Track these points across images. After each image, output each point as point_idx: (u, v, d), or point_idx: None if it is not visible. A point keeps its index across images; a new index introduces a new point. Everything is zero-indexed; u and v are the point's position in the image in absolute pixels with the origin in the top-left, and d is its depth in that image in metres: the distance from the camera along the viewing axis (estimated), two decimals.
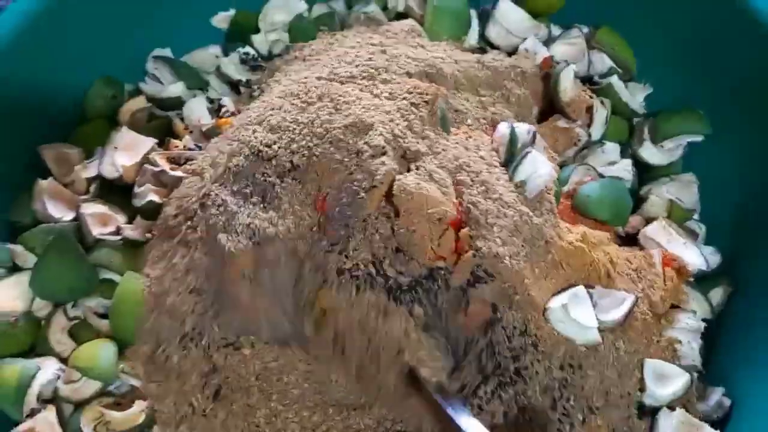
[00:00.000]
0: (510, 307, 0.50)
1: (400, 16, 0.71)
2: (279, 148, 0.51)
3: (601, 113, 0.65)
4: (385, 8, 0.72)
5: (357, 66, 0.56)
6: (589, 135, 0.65)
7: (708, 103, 0.66)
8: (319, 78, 0.55)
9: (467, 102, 0.59)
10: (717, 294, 0.61)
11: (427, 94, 0.52)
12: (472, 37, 0.69)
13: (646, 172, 0.68)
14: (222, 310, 0.51)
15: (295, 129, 0.51)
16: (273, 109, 0.54)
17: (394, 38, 0.62)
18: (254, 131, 0.53)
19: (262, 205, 0.50)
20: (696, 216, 0.67)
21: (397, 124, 0.50)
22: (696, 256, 0.59)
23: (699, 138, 0.67)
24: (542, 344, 0.50)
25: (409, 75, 0.56)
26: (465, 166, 0.51)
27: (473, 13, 0.70)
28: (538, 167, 0.53)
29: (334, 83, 0.54)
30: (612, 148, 0.65)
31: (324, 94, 0.53)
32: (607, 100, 0.66)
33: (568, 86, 0.63)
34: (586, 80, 0.69)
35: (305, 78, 0.56)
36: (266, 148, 0.51)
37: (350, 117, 0.50)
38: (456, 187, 0.50)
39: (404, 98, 0.52)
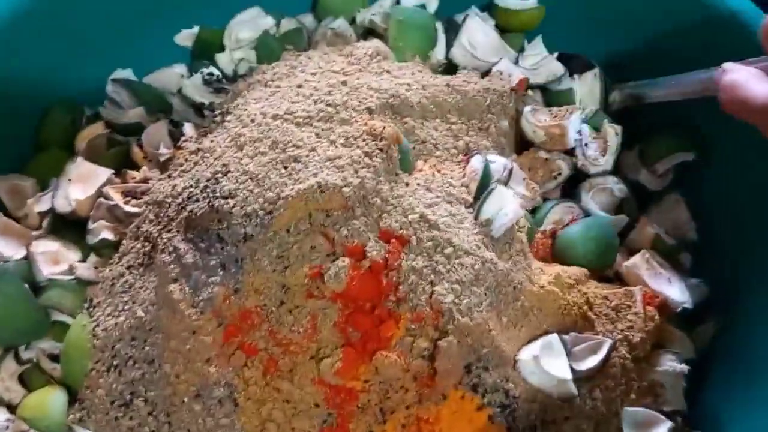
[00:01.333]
0: (484, 366, 0.47)
1: (369, 31, 0.67)
2: (235, 205, 0.48)
3: (612, 141, 0.61)
4: (353, 22, 0.68)
5: (315, 102, 0.53)
6: (575, 166, 0.61)
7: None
8: (274, 117, 0.52)
9: (436, 131, 0.55)
10: (704, 331, 0.58)
11: (382, 139, 0.49)
12: (439, 53, 0.65)
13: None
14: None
15: (248, 185, 0.49)
16: (228, 149, 0.52)
17: (357, 64, 0.58)
18: (212, 176, 0.51)
19: (221, 271, 0.48)
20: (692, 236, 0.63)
21: (350, 182, 0.47)
22: (680, 293, 0.56)
23: (690, 157, 0.64)
24: (519, 400, 0.47)
25: (370, 111, 0.52)
26: (414, 223, 0.48)
27: (440, 26, 0.66)
28: (505, 204, 0.49)
29: (290, 126, 0.51)
30: (615, 183, 0.62)
31: (278, 141, 0.50)
32: (619, 127, 0.62)
33: (535, 129, 0.60)
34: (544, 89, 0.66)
35: (262, 113, 0.53)
36: (222, 201, 0.49)
37: (302, 182, 0.47)
38: (394, 246, 0.47)
39: (358, 146, 0.49)
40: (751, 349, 0.56)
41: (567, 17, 0.68)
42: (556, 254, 0.56)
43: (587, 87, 0.66)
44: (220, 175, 0.51)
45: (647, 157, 0.64)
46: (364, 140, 0.50)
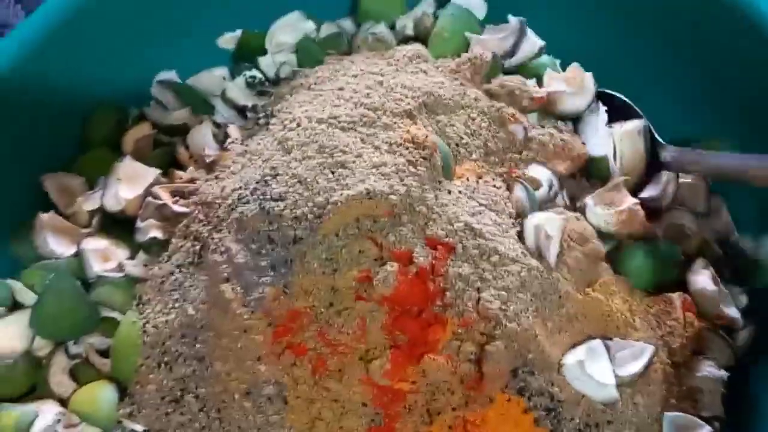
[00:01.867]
0: (530, 371, 0.48)
1: (409, 38, 0.68)
2: (285, 208, 0.49)
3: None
4: (392, 28, 0.69)
5: (356, 105, 0.54)
6: None
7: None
8: (320, 121, 0.53)
9: (466, 126, 0.57)
10: (742, 337, 0.58)
11: (425, 148, 0.50)
12: None
13: None
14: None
15: (297, 188, 0.50)
16: (276, 153, 0.53)
17: (395, 65, 0.59)
18: (261, 179, 0.52)
19: (271, 272, 0.49)
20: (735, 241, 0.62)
21: (397, 190, 0.48)
22: (735, 312, 0.56)
23: None
24: (564, 404, 0.48)
25: (410, 116, 0.54)
26: (460, 231, 0.49)
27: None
28: (546, 231, 0.50)
29: (336, 130, 0.52)
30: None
31: (324, 146, 0.51)
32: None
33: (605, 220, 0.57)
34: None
35: (308, 117, 0.54)
36: (272, 204, 0.50)
37: (350, 188, 0.48)
38: (440, 253, 0.48)
39: (401, 154, 0.50)
40: None
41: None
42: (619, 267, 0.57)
43: (630, 141, 0.60)
44: (269, 177, 0.52)
45: None
46: (407, 148, 0.51)
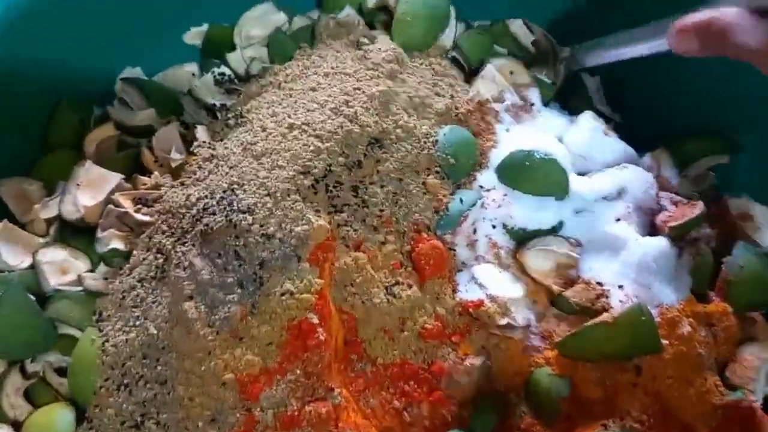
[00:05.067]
0: None
1: (378, 11, 0.65)
2: (253, 222, 0.47)
3: None
4: (360, 11, 0.65)
5: (334, 113, 0.52)
6: None
7: None
8: (290, 127, 0.50)
9: None
10: None
11: None
12: (448, 39, 0.63)
13: None
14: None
15: (267, 202, 0.47)
16: (244, 159, 0.50)
17: (374, 69, 0.56)
18: (228, 187, 0.49)
19: (238, 289, 0.46)
20: None
21: None
22: None
23: (725, 159, 0.62)
24: None
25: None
26: None
27: (453, 12, 0.63)
28: None
29: (310, 138, 0.49)
30: None
31: (297, 156, 0.49)
32: None
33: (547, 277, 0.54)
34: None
35: (277, 122, 0.51)
36: (240, 216, 0.47)
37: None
38: None
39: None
40: None
41: None
42: None
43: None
44: (236, 186, 0.49)
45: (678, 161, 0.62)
46: None
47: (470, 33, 0.65)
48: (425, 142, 0.54)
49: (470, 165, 0.55)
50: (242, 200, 0.47)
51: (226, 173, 0.50)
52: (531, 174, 0.54)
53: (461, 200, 0.54)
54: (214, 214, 0.48)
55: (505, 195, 0.54)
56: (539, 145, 0.54)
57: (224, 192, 0.49)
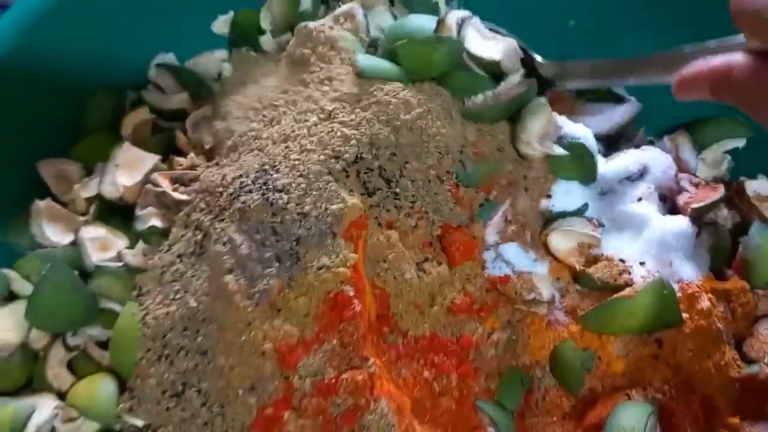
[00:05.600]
0: None
1: None
2: (289, 201, 0.48)
3: None
4: None
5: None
6: None
7: None
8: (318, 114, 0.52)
9: None
10: None
11: None
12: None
13: None
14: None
15: (300, 182, 0.49)
16: (275, 142, 0.51)
17: None
18: (260, 168, 0.51)
19: (276, 263, 0.48)
20: None
21: None
22: None
23: (742, 142, 0.64)
24: None
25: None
26: None
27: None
28: None
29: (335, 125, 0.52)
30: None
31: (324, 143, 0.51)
32: None
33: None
34: None
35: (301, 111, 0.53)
36: (276, 195, 0.48)
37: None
38: None
39: None
40: None
41: None
42: None
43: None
44: (268, 167, 0.51)
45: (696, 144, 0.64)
46: None
47: None
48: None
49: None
50: (277, 180, 0.49)
51: (257, 155, 0.52)
52: (561, 159, 0.55)
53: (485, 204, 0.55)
54: (250, 192, 0.50)
55: None
56: (567, 129, 0.55)
57: (257, 172, 0.51)
